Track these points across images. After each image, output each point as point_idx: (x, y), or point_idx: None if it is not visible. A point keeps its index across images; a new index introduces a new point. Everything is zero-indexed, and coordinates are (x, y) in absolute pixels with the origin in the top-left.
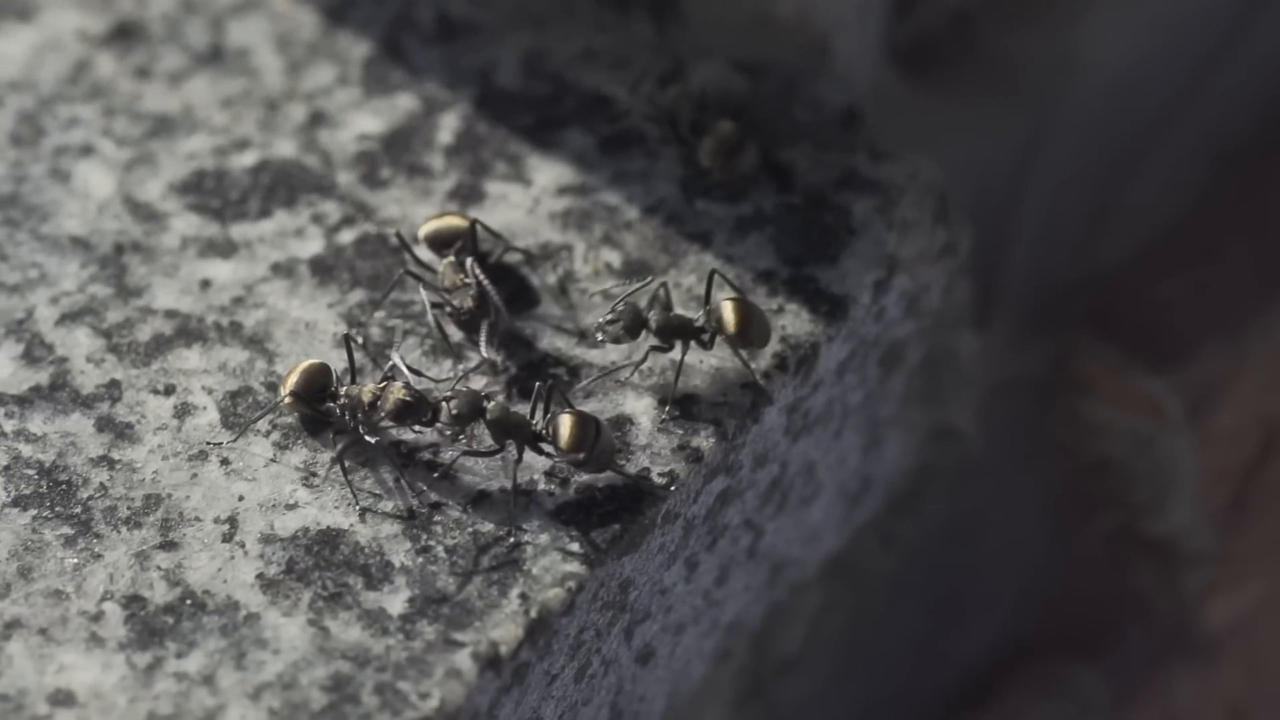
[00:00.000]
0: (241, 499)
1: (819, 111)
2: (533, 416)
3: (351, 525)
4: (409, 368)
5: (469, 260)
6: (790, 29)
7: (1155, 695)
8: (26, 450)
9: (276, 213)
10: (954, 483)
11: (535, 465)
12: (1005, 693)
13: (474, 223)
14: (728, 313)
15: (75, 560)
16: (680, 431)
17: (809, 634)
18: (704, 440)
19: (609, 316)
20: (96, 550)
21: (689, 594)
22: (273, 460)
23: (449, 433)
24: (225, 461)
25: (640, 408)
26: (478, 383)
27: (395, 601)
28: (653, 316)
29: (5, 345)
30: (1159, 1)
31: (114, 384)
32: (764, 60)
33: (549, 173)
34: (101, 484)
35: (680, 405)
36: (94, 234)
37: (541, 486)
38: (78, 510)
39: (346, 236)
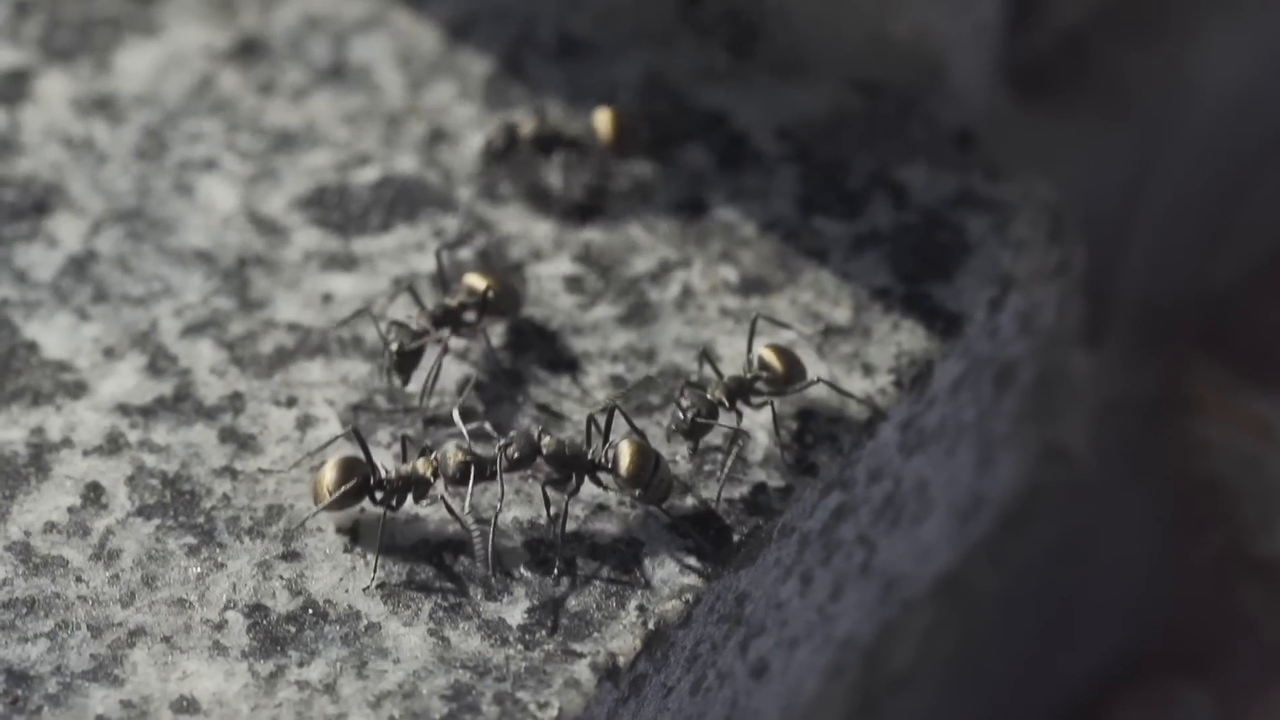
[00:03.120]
0: (363, 510)
1: (934, 130)
2: (605, 441)
3: (472, 537)
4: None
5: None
6: (905, 49)
7: (1263, 715)
8: (150, 460)
9: (398, 227)
10: (1064, 501)
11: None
12: (1114, 710)
13: (486, 290)
14: (771, 358)
15: (199, 569)
16: (797, 446)
17: (920, 651)
18: (820, 455)
19: (683, 411)
20: (219, 559)
21: (803, 609)
22: None
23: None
24: None
25: (758, 422)
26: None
27: (514, 612)
28: (717, 393)
29: (130, 357)
30: (1273, 23)
31: (237, 395)
32: (879, 79)
33: (667, 189)
34: (224, 494)
35: (798, 419)
36: (217, 247)
37: None
38: (201, 520)
39: (466, 252)
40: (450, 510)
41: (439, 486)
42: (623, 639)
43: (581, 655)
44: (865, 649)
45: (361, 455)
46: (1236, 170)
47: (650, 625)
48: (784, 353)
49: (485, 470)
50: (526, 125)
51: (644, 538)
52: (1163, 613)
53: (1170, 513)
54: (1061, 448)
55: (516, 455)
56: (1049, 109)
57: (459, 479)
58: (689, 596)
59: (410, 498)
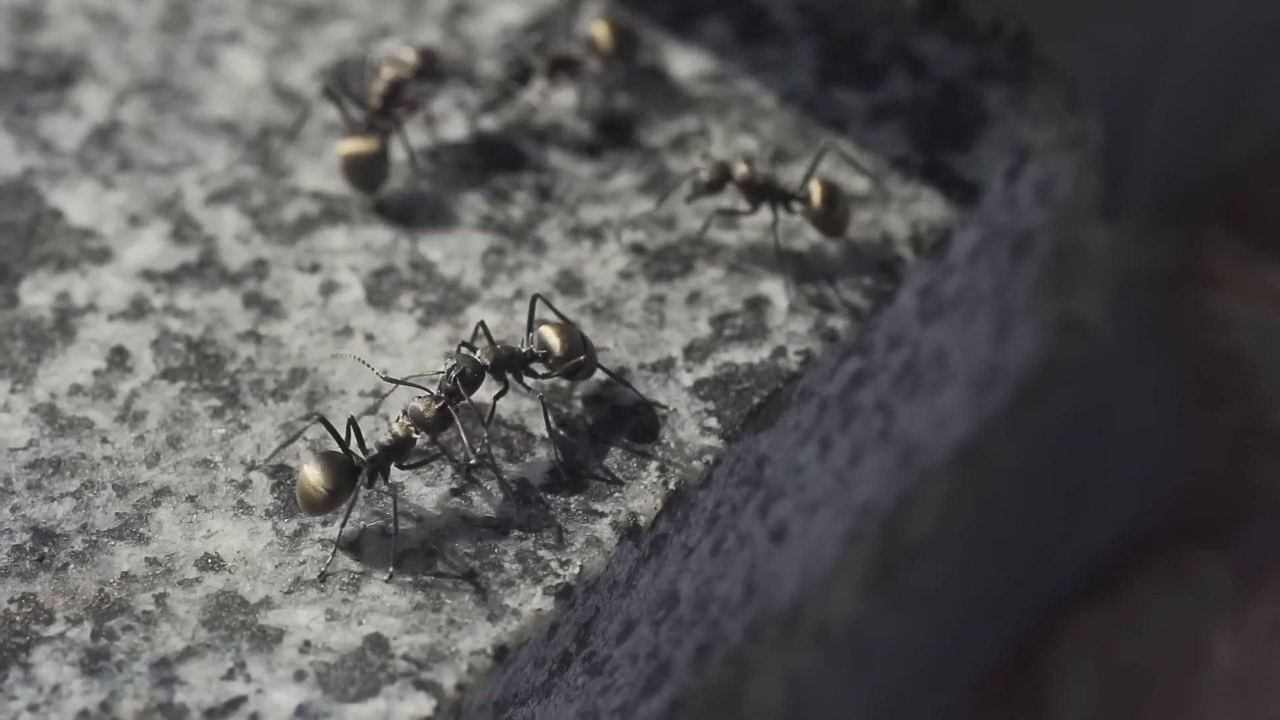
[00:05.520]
0: (386, 372)
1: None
2: (530, 331)
3: (495, 398)
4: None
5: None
6: None
7: (1276, 586)
8: (175, 325)
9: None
10: (1081, 374)
11: (674, 343)
12: (1129, 581)
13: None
14: (815, 190)
15: (223, 431)
16: (816, 311)
17: (938, 520)
18: (839, 320)
19: (698, 168)
20: (244, 421)
21: (822, 473)
22: (416, 336)
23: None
24: (370, 337)
25: (776, 289)
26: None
27: (536, 472)
28: (739, 170)
29: (155, 224)
30: None
31: (260, 262)
32: None
33: (687, 61)
34: (248, 358)
35: (815, 285)
36: (241, 117)
37: (680, 363)
38: (225, 383)
39: (488, 123)
40: (455, 461)
41: (421, 443)
42: (644, 499)
43: (603, 515)
44: (884, 516)
45: (334, 444)
46: (1254, 45)
47: (671, 485)
48: (831, 189)
49: (456, 405)
50: (537, 60)
51: (664, 400)
52: (1179, 485)
53: (1186, 386)
54: (1078, 320)
55: (473, 374)
56: None
57: (439, 426)
58: (709, 458)
59: (394, 466)
